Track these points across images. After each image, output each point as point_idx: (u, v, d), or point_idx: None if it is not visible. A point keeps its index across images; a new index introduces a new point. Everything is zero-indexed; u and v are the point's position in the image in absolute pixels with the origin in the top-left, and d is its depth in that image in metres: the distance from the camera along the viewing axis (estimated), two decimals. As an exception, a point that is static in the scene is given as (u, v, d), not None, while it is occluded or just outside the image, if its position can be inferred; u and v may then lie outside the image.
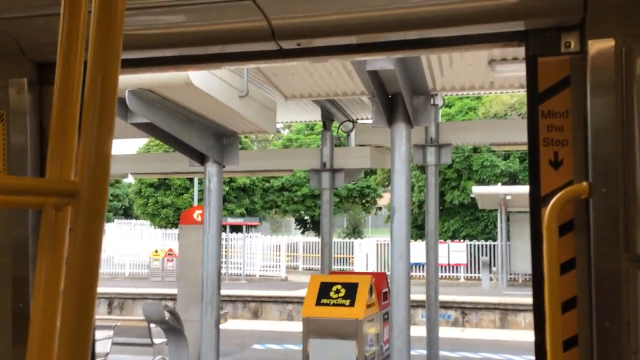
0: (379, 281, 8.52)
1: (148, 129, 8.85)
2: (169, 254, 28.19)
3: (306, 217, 38.10)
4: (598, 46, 1.91)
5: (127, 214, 46.96)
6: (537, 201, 2.06)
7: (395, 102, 8.16)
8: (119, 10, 1.01)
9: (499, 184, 26.33)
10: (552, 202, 1.94)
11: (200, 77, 7.40)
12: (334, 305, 7.75)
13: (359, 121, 12.93)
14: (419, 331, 12.45)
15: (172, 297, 19.04)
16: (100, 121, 0.96)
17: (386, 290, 8.70)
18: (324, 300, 7.82)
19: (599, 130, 1.90)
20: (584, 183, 1.93)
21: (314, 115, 13.14)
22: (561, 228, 1.98)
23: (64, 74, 1.03)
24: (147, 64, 2.52)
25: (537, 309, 2.06)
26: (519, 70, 7.68)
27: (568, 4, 1.94)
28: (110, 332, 10.24)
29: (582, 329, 1.98)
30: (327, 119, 12.25)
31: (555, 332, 1.89)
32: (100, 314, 21.56)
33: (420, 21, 2.15)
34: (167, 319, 9.72)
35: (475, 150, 27.89)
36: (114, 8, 1.01)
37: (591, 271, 1.92)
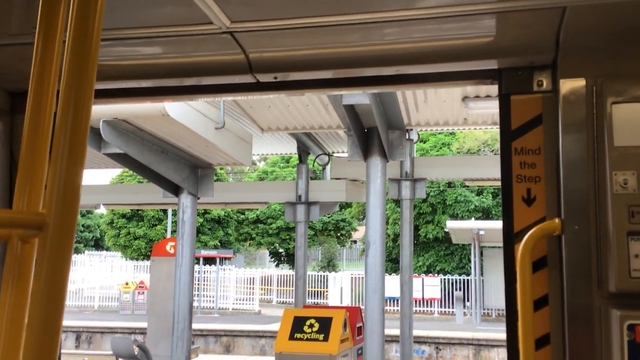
0: (353, 316, 8.45)
1: (122, 159, 8.77)
2: (140, 287, 27.66)
3: (281, 250, 37.84)
4: (569, 85, 1.95)
5: (98, 245, 46.13)
6: (510, 237, 2.07)
7: (371, 136, 8.24)
8: (94, 41, 1.00)
9: (473, 218, 26.54)
10: (525, 238, 1.95)
11: (176, 109, 7.39)
12: (307, 340, 7.65)
13: (334, 154, 13.00)
14: (393, 367, 12.33)
15: (142, 331, 18.62)
16: (71, 152, 0.94)
17: (360, 324, 8.63)
18: (298, 335, 7.72)
19: (570, 167, 1.93)
20: (556, 220, 1.95)
21: (290, 148, 13.18)
22: (534, 264, 1.99)
23: (35, 103, 1.02)
24: (123, 95, 2.51)
25: (511, 345, 2.05)
26: (492, 107, 7.84)
27: (540, 44, 1.99)
28: (77, 367, 9.95)
29: None
30: (303, 152, 12.29)
31: (529, 369, 1.88)
32: (68, 348, 20.95)
33: (395, 58, 2.18)
34: (135, 353, 9.48)
35: (450, 185, 28.17)
36: (89, 38, 1.00)
37: (564, 308, 1.93)
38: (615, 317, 1.80)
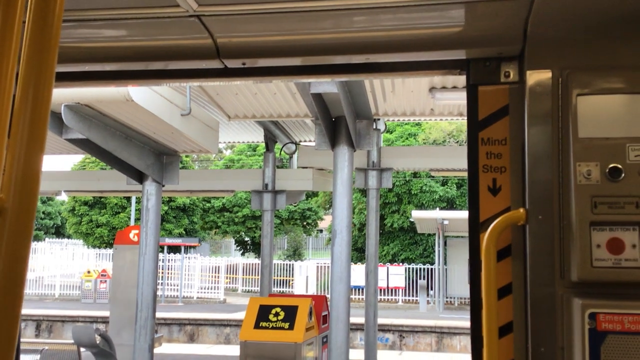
0: (319, 304, 8.48)
1: (84, 145, 8.59)
2: (102, 275, 27.27)
3: (246, 239, 37.69)
4: (536, 77, 1.98)
5: (59, 232, 45.22)
6: (475, 226, 2.10)
7: (339, 125, 8.24)
8: (55, 22, 0.96)
9: (437, 208, 26.86)
10: (490, 228, 1.97)
11: (140, 94, 7.25)
12: (272, 328, 7.65)
13: (301, 143, 12.97)
14: (357, 355, 12.44)
15: (105, 320, 18.35)
16: (31, 135, 0.91)
17: (325, 313, 8.66)
18: (263, 324, 7.72)
19: (535, 158, 1.96)
20: (521, 209, 1.98)
21: (257, 136, 13.10)
22: (499, 253, 2.02)
23: (-7, 84, 0.98)
24: (86, 78, 2.44)
25: (475, 333, 2.08)
26: (458, 99, 7.91)
27: (508, 35, 2.00)
28: (37, 357, 9.75)
29: (518, 354, 2.01)
30: (270, 140, 12.23)
31: (492, 357, 1.91)
32: (28, 337, 20.53)
33: (364, 46, 2.17)
34: (98, 342, 9.33)
35: (415, 175, 28.42)
36: (50, 19, 0.96)
37: (527, 296, 1.96)
38: (577, 306, 1.84)
